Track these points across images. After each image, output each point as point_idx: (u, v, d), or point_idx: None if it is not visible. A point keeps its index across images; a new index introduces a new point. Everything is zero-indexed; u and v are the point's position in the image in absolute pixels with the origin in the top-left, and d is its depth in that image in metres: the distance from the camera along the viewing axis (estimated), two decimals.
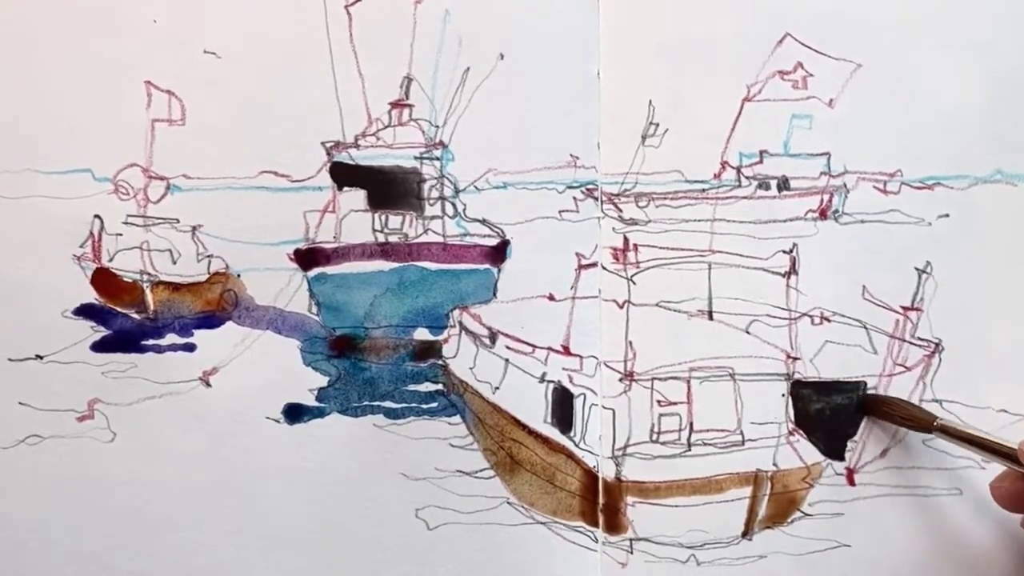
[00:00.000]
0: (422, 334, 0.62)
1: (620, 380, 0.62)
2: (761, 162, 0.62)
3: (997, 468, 0.62)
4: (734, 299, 0.62)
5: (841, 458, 0.62)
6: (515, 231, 0.61)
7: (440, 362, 0.62)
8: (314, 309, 0.61)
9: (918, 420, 0.59)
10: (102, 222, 0.60)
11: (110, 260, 0.61)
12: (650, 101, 0.61)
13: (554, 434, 0.62)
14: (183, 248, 0.61)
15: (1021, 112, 0.62)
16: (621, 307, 0.62)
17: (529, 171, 0.61)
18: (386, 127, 0.61)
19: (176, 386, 0.61)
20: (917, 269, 0.62)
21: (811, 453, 0.62)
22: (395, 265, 0.61)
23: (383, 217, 0.61)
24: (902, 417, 0.60)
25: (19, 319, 0.61)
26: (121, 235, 0.61)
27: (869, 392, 0.62)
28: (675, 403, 0.62)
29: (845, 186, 0.62)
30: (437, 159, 0.61)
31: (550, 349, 0.61)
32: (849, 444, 0.62)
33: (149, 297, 0.61)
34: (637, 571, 0.62)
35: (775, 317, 0.62)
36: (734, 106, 0.61)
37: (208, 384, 0.61)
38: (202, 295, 0.61)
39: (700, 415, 0.62)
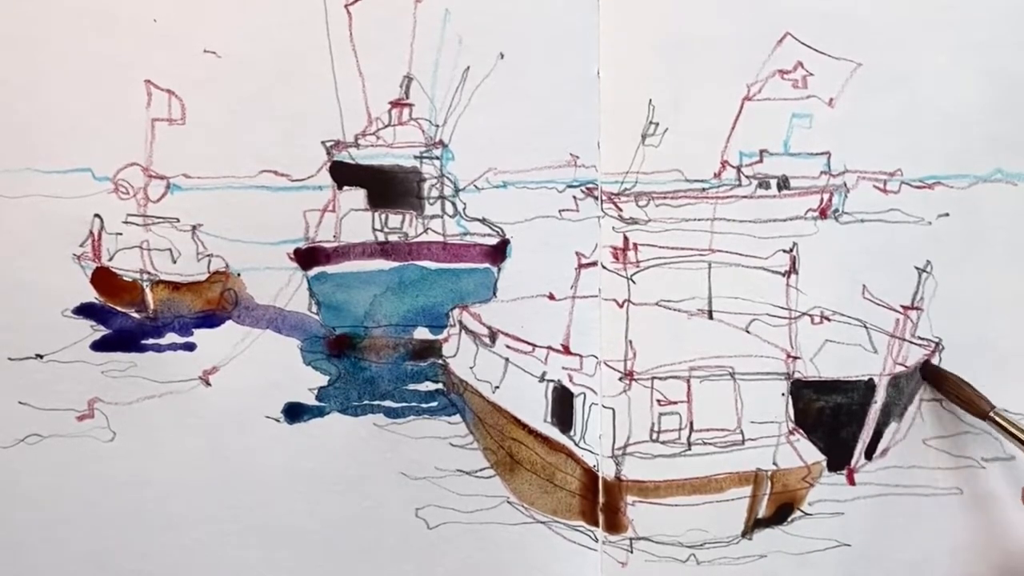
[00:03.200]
0: (422, 333, 0.62)
1: (620, 379, 0.62)
2: (761, 161, 0.62)
3: (997, 470, 0.62)
4: (734, 298, 0.62)
5: (842, 468, 0.62)
6: (515, 230, 0.61)
7: (440, 361, 0.62)
8: (314, 308, 0.61)
9: (975, 406, 0.60)
10: (102, 221, 0.60)
11: (110, 259, 0.61)
12: (650, 100, 0.61)
13: (554, 433, 0.62)
14: (183, 247, 0.61)
15: (1021, 112, 0.62)
16: (621, 306, 0.62)
17: (529, 170, 0.61)
18: (386, 126, 0.61)
19: (176, 385, 0.61)
20: (917, 268, 0.62)
21: (811, 452, 0.62)
22: (395, 264, 0.61)
23: (383, 216, 0.61)
24: (959, 398, 0.60)
25: (19, 318, 0.61)
26: (121, 234, 0.61)
27: (931, 363, 0.62)
28: (675, 402, 0.62)
29: (845, 185, 0.62)
30: (437, 158, 0.61)
31: (550, 348, 0.61)
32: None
33: (149, 296, 0.61)
34: (637, 570, 0.62)
35: (775, 316, 0.62)
36: (734, 105, 0.61)
37: (208, 383, 0.61)
38: (202, 294, 0.61)
39: (700, 414, 0.62)
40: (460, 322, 0.62)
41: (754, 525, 0.62)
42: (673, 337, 0.62)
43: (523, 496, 0.62)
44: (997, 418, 0.58)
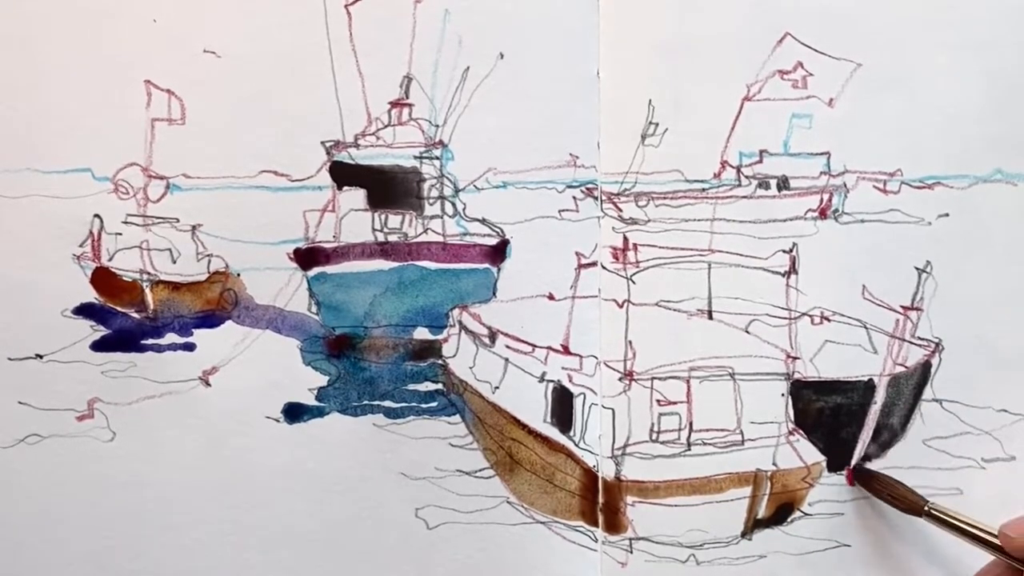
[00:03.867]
0: (422, 333, 0.62)
1: (620, 379, 0.62)
2: (761, 161, 0.62)
3: (997, 470, 0.62)
4: (734, 299, 0.62)
5: (842, 469, 0.62)
6: (515, 230, 0.61)
7: (440, 361, 0.62)
8: (314, 308, 0.61)
9: (909, 503, 0.59)
10: (102, 221, 0.60)
11: (110, 259, 0.61)
12: (650, 101, 0.61)
13: (554, 433, 0.62)
14: (183, 247, 0.61)
15: (1021, 112, 0.62)
16: (621, 306, 0.62)
17: (529, 170, 0.61)
18: (386, 126, 0.61)
19: (176, 385, 0.61)
20: (917, 268, 0.62)
21: (811, 453, 0.62)
22: (395, 264, 0.61)
23: (383, 216, 0.61)
24: (892, 496, 0.60)
25: (19, 318, 0.61)
26: (121, 234, 0.61)
27: (862, 466, 0.62)
28: (675, 403, 0.62)
29: (845, 185, 0.62)
30: (437, 158, 0.61)
31: (550, 348, 0.61)
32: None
33: (149, 296, 0.61)
34: (637, 571, 0.62)
35: (775, 317, 0.62)
36: (734, 105, 0.61)
37: (208, 383, 0.61)
38: (202, 294, 0.61)
39: (700, 415, 0.62)
40: (460, 322, 0.62)
41: (754, 525, 0.62)
42: (673, 337, 0.62)
43: (523, 496, 0.62)
44: (934, 512, 0.57)
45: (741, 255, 0.62)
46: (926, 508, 0.58)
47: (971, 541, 0.56)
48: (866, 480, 0.61)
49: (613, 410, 0.62)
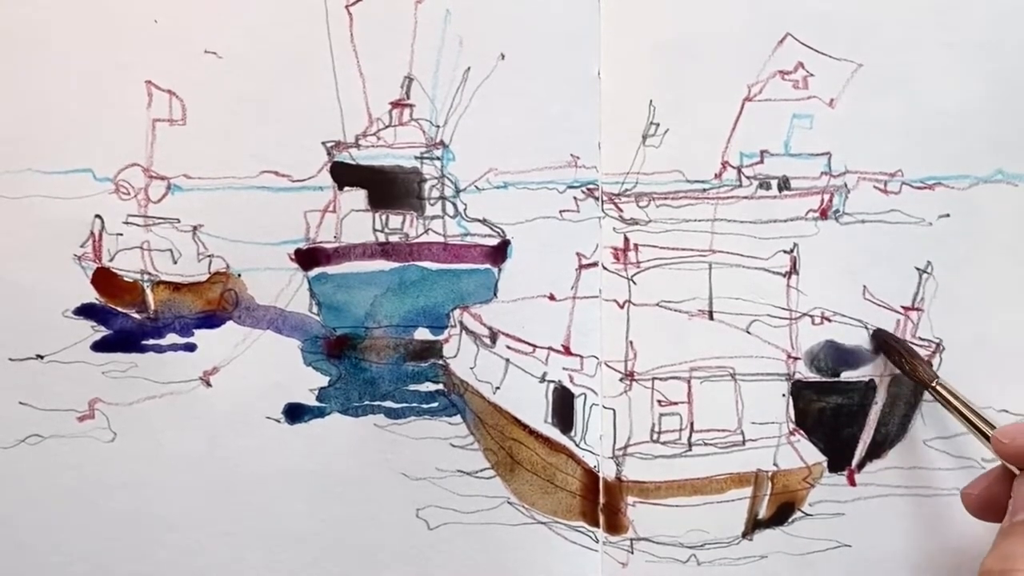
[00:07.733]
0: (423, 334, 0.62)
1: (621, 380, 0.62)
2: (762, 162, 0.62)
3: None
4: (735, 299, 0.62)
5: (843, 469, 0.62)
6: (516, 231, 0.61)
7: (441, 362, 0.62)
8: (315, 309, 0.61)
9: (920, 375, 0.59)
10: (103, 222, 0.60)
11: (111, 260, 0.61)
12: (650, 101, 0.61)
13: (555, 434, 0.62)
14: (184, 248, 0.61)
15: (1021, 112, 0.62)
16: (622, 307, 0.62)
17: (530, 171, 0.61)
18: (387, 127, 0.61)
19: (176, 386, 0.61)
20: (918, 269, 0.62)
21: (812, 453, 0.62)
22: (396, 265, 0.61)
23: (384, 217, 0.61)
24: (906, 363, 0.60)
25: (19, 319, 0.61)
26: (122, 235, 0.61)
27: (883, 329, 0.62)
28: (676, 403, 0.62)
29: (846, 186, 0.62)
30: (438, 159, 0.61)
31: (551, 349, 0.61)
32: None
33: (150, 297, 0.61)
34: (638, 571, 0.62)
35: (776, 317, 0.62)
36: (735, 106, 0.61)
37: (208, 384, 0.61)
38: (203, 295, 0.61)
39: (701, 415, 0.62)
40: (461, 323, 0.62)
41: (754, 526, 0.62)
42: (674, 338, 0.62)
43: (524, 497, 0.62)
44: (940, 388, 0.58)
45: (742, 255, 0.62)
46: (934, 384, 0.58)
47: (969, 427, 0.56)
48: (883, 343, 0.61)
49: (614, 410, 0.62)
